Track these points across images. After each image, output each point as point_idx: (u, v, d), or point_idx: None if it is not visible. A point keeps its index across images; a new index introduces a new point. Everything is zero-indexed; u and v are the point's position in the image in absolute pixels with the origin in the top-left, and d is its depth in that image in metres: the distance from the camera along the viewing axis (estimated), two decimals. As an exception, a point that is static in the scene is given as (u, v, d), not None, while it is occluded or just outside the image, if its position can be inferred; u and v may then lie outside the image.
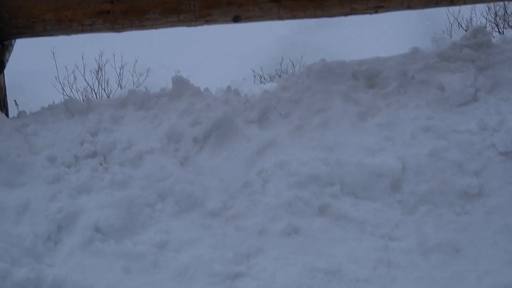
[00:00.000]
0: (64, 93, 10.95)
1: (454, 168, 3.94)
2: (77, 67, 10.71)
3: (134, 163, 3.96)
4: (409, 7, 4.62)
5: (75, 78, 11.37)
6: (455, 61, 4.61)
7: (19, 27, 4.25)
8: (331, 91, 4.48)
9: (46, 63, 10.87)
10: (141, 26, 4.38)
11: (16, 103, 8.22)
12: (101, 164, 3.93)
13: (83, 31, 4.36)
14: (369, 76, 4.63)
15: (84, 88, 11.29)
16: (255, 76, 12.65)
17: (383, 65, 4.66)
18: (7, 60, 4.28)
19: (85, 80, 11.44)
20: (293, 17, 4.55)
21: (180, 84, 4.51)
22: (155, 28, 4.44)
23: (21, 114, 4.30)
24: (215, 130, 4.21)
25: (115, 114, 4.28)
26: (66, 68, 10.64)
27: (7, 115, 4.46)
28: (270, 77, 12.60)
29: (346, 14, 4.62)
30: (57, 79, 10.84)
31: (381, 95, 4.51)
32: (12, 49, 4.38)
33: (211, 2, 4.39)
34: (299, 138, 4.22)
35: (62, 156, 3.93)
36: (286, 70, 12.27)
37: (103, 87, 11.59)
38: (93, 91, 11.33)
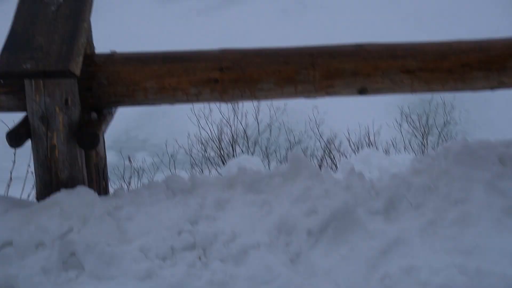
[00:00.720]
0: (200, 125, 11.29)
1: None
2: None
3: (237, 259, 3.41)
4: None
5: (210, 110, 11.26)
6: None
7: (118, 95, 3.83)
8: (472, 178, 3.85)
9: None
10: (253, 97, 3.88)
11: (130, 160, 8.01)
12: (199, 258, 3.43)
13: (188, 100, 3.90)
14: (519, 161, 3.96)
15: (220, 121, 11.20)
16: (402, 114, 12.46)
17: (538, 148, 3.98)
18: (104, 131, 3.88)
19: (220, 113, 11.26)
20: (430, 90, 3.95)
21: (297, 163, 3.97)
22: (269, 99, 3.95)
23: (116, 193, 3.85)
24: (333, 221, 3.62)
25: (220, 197, 3.77)
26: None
27: (106, 188, 4.06)
28: (418, 117, 12.35)
29: (492, 88, 3.98)
30: (192, 111, 10.95)
31: (534, 184, 3.82)
32: (112, 118, 3.98)
33: (333, 71, 3.85)
34: (432, 236, 3.59)
35: (156, 246, 3.44)
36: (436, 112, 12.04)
37: (239, 119, 11.41)
38: (228, 124, 11.24)
